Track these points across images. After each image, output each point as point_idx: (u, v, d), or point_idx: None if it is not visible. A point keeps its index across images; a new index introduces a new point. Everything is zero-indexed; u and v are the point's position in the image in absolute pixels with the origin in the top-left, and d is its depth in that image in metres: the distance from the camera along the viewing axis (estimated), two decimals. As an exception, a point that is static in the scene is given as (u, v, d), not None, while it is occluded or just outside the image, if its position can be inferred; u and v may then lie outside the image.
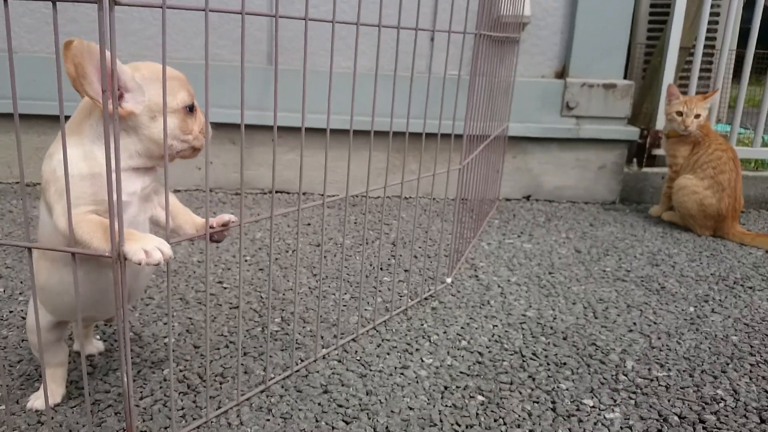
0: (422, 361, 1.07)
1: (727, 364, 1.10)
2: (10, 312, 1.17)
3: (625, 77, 2.12)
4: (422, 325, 1.19)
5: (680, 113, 1.83)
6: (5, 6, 0.63)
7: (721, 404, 0.98)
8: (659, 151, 2.17)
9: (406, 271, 1.44)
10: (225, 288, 1.32)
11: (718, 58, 2.24)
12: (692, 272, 1.52)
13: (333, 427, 0.89)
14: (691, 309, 1.31)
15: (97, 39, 0.63)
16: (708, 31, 2.16)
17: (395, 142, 2.00)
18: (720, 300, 1.37)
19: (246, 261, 1.45)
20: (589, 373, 1.05)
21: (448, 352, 1.10)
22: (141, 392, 0.95)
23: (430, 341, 1.13)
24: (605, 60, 2.05)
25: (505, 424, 0.92)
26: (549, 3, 2.03)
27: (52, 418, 0.87)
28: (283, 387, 0.99)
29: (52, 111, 1.87)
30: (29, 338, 0.89)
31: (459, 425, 0.91)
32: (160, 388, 0.96)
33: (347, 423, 0.90)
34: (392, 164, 2.01)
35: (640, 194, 2.19)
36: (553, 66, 2.09)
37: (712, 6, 2.20)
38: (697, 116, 1.82)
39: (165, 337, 1.12)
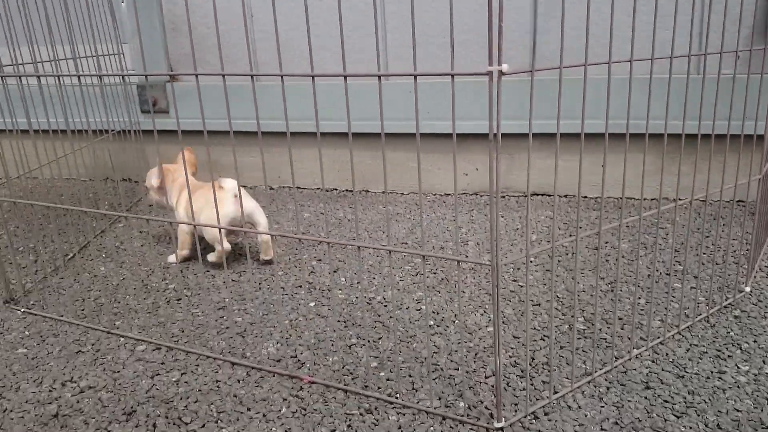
0: (738, 367, 1.12)
1: None
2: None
3: None
4: (728, 333, 1.23)
5: None
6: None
7: None
8: None
9: (695, 277, 1.47)
10: (521, 286, 1.47)
11: None
12: None
13: (665, 419, 0.99)
14: None
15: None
16: None
17: (654, 144, 2.01)
18: None
19: (531, 262, 1.59)
20: None
21: (764, 361, 1.13)
22: (484, 373, 1.13)
23: (741, 349, 1.17)
24: None
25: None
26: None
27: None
28: (606, 380, 1.10)
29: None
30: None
31: (794, 431, 0.95)
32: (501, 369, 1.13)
33: (677, 417, 0.99)
34: (656, 168, 2.02)
35: None
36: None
37: None
38: None
39: (486, 326, 1.29)
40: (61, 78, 1.33)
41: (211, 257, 1.65)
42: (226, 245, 1.56)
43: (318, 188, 2.32)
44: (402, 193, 2.25)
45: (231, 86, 2.24)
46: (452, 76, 0.84)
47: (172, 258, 1.70)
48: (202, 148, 2.34)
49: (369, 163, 2.26)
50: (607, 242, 1.72)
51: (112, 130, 2.13)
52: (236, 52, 2.27)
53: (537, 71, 0.87)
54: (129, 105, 2.28)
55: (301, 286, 1.51)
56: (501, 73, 0.79)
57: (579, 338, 1.24)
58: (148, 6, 2.25)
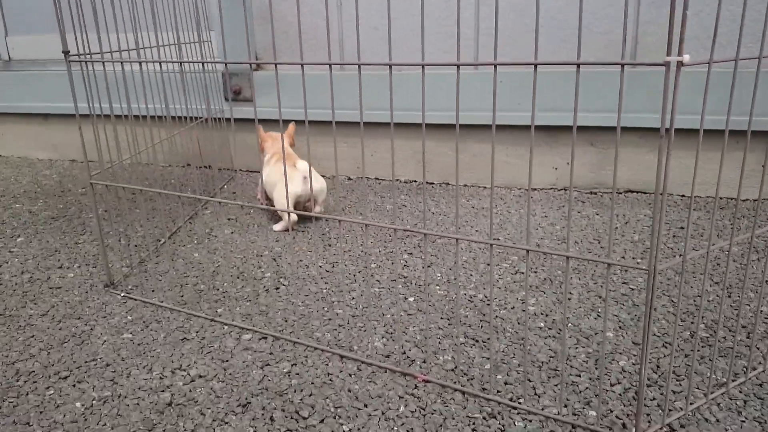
0: None
1: None
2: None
3: None
4: None
5: None
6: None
7: None
8: None
9: (822, 286, 1.38)
10: (632, 289, 1.40)
11: None
12: None
13: (817, 441, 0.91)
14: None
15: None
16: None
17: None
18: None
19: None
20: None
21: None
22: (608, 380, 1.07)
23: None
24: None
25: None
26: None
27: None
28: (741, 392, 1.03)
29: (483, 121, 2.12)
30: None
31: None
32: (623, 377, 1.07)
33: (831, 438, 0.92)
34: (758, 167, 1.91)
35: None
36: None
37: None
38: None
39: (602, 331, 1.23)
40: (143, 65, 1.33)
41: (277, 227, 1.83)
42: (293, 217, 1.80)
43: (398, 180, 2.29)
44: (485, 187, 2.19)
45: (317, 75, 2.23)
46: (622, 65, 0.78)
47: (278, 226, 1.84)
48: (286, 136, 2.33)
49: (451, 155, 2.21)
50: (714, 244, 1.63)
51: (198, 118, 2.14)
52: (324, 41, 2.25)
53: (714, 63, 0.80)
54: (214, 93, 2.29)
55: (395, 280, 1.48)
56: (681, 64, 0.72)
57: (703, 346, 1.17)
58: (234, -6, 2.25)
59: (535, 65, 0.87)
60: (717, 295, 1.35)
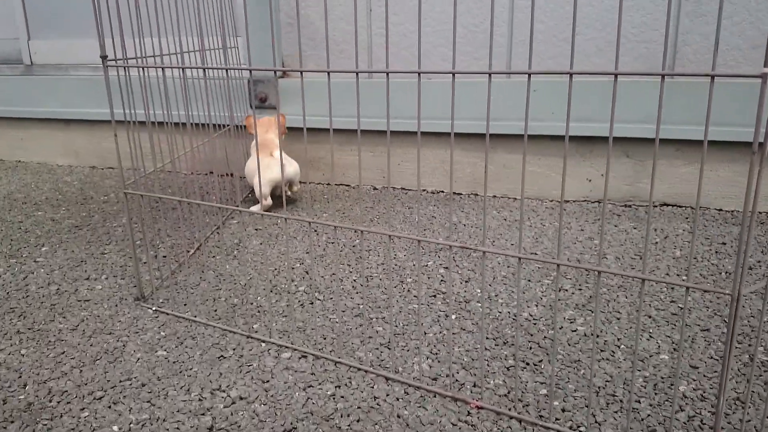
0: None
1: None
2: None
3: None
4: None
5: None
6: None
7: None
8: None
9: None
10: (680, 308, 1.35)
11: None
12: None
13: None
14: None
15: None
16: None
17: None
18: None
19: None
20: None
21: None
22: (670, 407, 1.02)
23: None
24: None
25: None
26: None
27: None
28: (813, 423, 0.98)
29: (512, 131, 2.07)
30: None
31: None
32: (686, 404, 1.02)
33: None
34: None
35: None
36: None
37: None
38: None
39: (658, 353, 1.18)
40: (180, 70, 1.28)
41: (254, 208, 1.97)
42: (268, 201, 1.98)
43: (425, 190, 2.24)
44: (515, 198, 2.14)
45: (343, 83, 2.19)
46: (712, 77, 0.74)
47: (254, 208, 1.98)
48: (312, 145, 2.29)
49: (480, 165, 2.16)
50: (759, 261, 1.58)
51: (226, 126, 2.10)
52: (353, 47, 2.21)
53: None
54: (240, 100, 2.25)
55: (435, 296, 1.43)
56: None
57: (766, 370, 1.12)
58: (260, 2, 2.21)
59: (571, 74, 0.83)
60: (772, 316, 1.30)
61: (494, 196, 2.16)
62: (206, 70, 1.23)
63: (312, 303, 1.42)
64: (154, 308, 1.41)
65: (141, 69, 1.31)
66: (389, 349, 1.22)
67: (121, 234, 1.87)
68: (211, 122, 1.95)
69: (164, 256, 1.69)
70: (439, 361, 1.17)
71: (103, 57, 1.29)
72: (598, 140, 2.00)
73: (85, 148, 2.67)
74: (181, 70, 1.26)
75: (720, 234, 1.76)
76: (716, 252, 1.64)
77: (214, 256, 1.70)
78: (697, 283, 1.38)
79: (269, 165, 1.97)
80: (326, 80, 2.21)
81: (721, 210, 1.95)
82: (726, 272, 1.51)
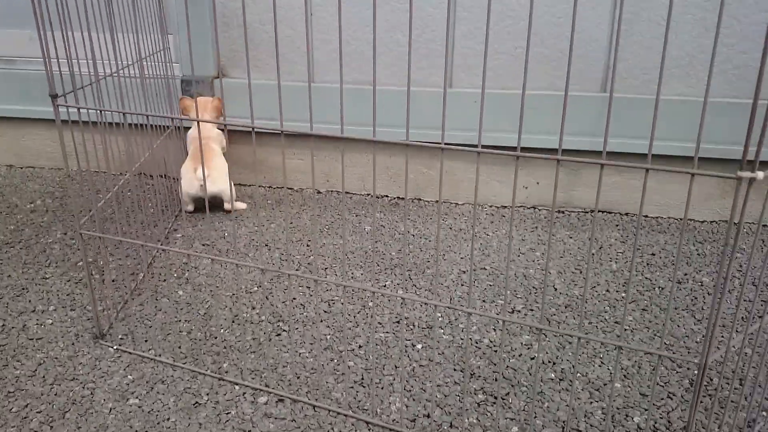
0: None
1: None
2: (466, 341, 1.39)
3: None
4: None
5: None
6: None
7: None
8: None
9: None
10: (625, 329, 1.47)
11: None
12: None
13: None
14: None
15: None
16: None
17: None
18: None
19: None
20: None
21: None
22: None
23: None
24: None
25: None
26: None
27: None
28: (748, 448, 1.11)
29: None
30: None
31: None
32: (645, 438, 1.13)
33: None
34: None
35: None
36: None
37: None
38: None
39: (610, 381, 1.29)
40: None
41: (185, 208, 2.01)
42: (189, 207, 2.06)
43: (370, 194, 2.27)
44: (457, 204, 2.21)
45: (286, 86, 2.15)
46: (692, 175, 0.80)
47: (189, 207, 2.06)
48: (256, 147, 2.26)
49: (423, 172, 2.21)
50: (686, 274, 1.73)
51: (167, 128, 2.02)
52: (292, 53, 2.17)
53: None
54: (174, 101, 2.17)
55: (398, 322, 1.48)
56: (752, 180, 0.75)
57: (704, 396, 1.25)
58: (194, 0, 2.12)
59: (558, 160, 0.88)
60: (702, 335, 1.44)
61: (437, 201, 2.22)
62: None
63: (278, 335, 1.43)
64: (115, 347, 1.38)
65: (96, 109, 1.25)
66: (364, 387, 1.26)
67: (59, 253, 1.79)
68: (148, 123, 1.87)
69: (113, 280, 1.64)
70: (414, 399, 1.22)
71: (53, 96, 1.21)
72: (533, 151, 2.09)
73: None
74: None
75: (649, 243, 1.90)
76: (648, 264, 1.77)
77: (164, 280, 1.66)
78: (657, 346, 1.50)
79: (190, 180, 1.98)
80: (267, 82, 2.17)
81: (647, 216, 2.11)
82: (659, 287, 1.65)
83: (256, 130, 2.19)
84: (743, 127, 1.92)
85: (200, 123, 2.06)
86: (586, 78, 2.01)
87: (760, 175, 0.77)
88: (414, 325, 1.47)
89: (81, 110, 1.23)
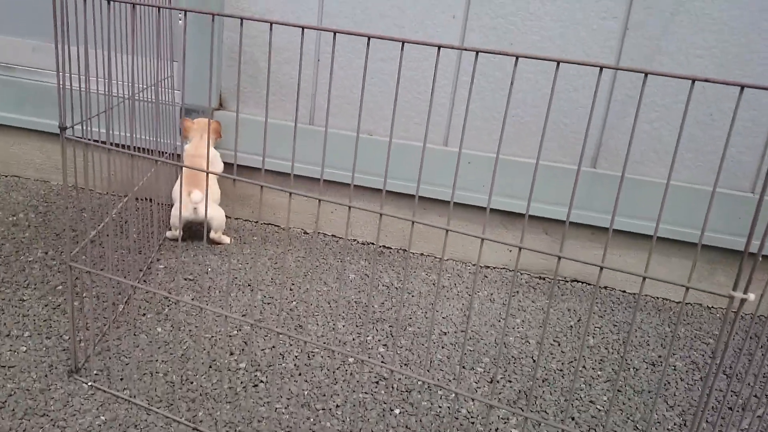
0: None
1: None
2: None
3: None
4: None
5: None
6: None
7: None
8: None
9: None
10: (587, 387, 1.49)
11: None
12: None
13: None
14: None
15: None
16: None
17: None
18: None
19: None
20: None
21: None
22: None
23: None
24: None
25: None
26: None
27: None
28: None
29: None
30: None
31: None
32: None
33: None
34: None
35: None
36: None
37: None
38: None
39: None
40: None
41: (168, 234, 2.08)
42: (177, 233, 2.04)
43: (355, 240, 2.28)
44: (440, 258, 2.23)
45: (283, 125, 2.17)
46: (687, 288, 0.83)
47: (168, 234, 2.08)
48: (243, 182, 2.26)
49: (408, 223, 2.23)
50: (660, 356, 1.77)
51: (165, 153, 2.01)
52: (295, 94, 2.19)
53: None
54: (171, 130, 2.17)
55: (377, 382, 1.48)
56: (743, 301, 0.78)
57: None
58: (203, 30, 2.14)
59: (559, 259, 0.91)
60: (675, 422, 1.47)
61: (421, 254, 2.24)
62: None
63: (255, 385, 1.42)
64: (89, 383, 1.36)
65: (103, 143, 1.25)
66: (339, 450, 1.25)
67: (39, 274, 1.76)
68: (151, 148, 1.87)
69: (93, 310, 1.62)
70: (388, 469, 1.22)
71: (63, 128, 1.21)
72: (519, 216, 2.13)
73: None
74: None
75: (626, 321, 1.94)
76: (623, 342, 1.80)
77: (144, 314, 1.64)
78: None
79: (186, 204, 1.97)
80: (261, 119, 2.18)
81: (624, 291, 2.15)
82: (634, 368, 1.68)
83: (246, 165, 2.20)
84: (730, 216, 1.99)
85: (195, 142, 2.08)
86: (578, 153, 2.07)
87: (751, 297, 0.80)
88: (393, 387, 1.48)
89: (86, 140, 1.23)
